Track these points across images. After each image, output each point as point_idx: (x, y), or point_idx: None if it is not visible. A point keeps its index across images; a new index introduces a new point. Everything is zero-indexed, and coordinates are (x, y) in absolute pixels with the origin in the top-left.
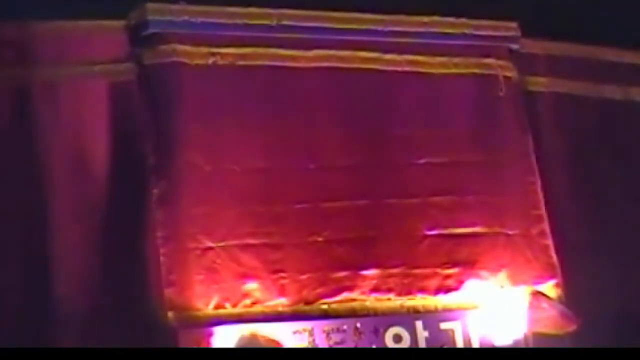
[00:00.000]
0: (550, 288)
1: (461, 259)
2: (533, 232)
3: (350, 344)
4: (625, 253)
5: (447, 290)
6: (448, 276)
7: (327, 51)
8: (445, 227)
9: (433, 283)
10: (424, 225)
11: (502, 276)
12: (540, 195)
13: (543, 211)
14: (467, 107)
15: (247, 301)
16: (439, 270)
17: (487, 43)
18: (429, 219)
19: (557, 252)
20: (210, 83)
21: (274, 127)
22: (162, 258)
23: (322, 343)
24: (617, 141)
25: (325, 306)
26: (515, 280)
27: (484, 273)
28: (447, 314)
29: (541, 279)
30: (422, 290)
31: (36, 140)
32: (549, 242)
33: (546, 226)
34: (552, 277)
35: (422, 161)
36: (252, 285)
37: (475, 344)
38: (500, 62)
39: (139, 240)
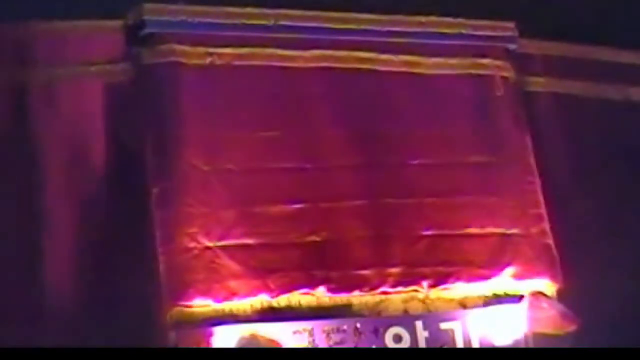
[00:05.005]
0: (550, 288)
1: (461, 258)
2: (533, 232)
3: (350, 344)
4: (625, 252)
5: (447, 290)
6: (448, 275)
7: (324, 51)
8: (444, 226)
9: (432, 282)
10: (421, 225)
11: (502, 276)
12: (540, 195)
13: (543, 210)
14: (464, 108)
15: (246, 300)
16: (438, 269)
17: (485, 43)
18: (426, 218)
19: (557, 251)
20: (207, 83)
21: (271, 127)
22: (161, 257)
23: (322, 343)
24: (615, 141)
25: (325, 305)
26: (516, 280)
27: (483, 273)
28: (447, 314)
29: (541, 279)
30: (422, 289)
31: (34, 139)
32: (550, 241)
33: (546, 225)
34: (552, 276)
35: (418, 161)
36: (250, 285)
37: (475, 344)
38: (498, 62)
39: (137, 240)
